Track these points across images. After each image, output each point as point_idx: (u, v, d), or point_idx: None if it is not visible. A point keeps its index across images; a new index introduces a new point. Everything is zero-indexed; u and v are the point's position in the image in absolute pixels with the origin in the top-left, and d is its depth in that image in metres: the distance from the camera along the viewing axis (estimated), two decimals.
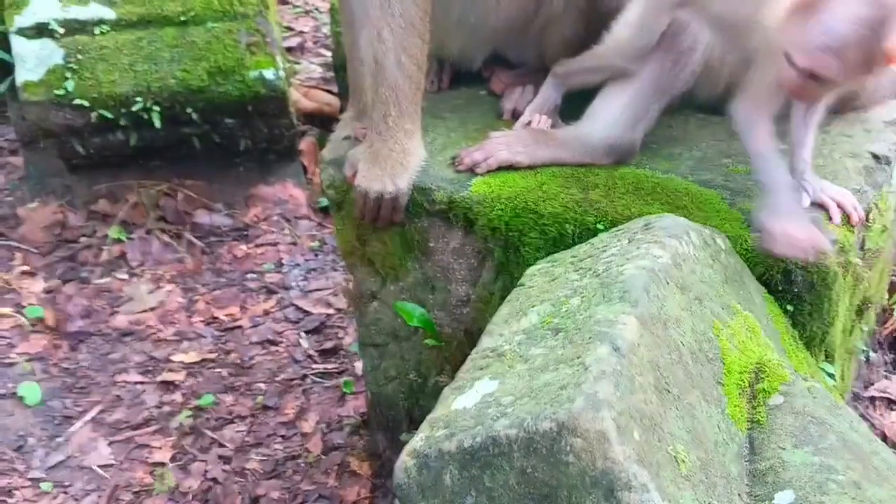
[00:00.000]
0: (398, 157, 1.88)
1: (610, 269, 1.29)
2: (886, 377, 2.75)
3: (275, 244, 3.36)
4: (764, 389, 1.32)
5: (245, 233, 3.39)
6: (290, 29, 4.68)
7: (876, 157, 1.94)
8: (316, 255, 3.32)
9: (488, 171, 1.89)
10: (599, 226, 1.75)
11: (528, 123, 2.01)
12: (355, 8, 1.89)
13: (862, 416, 2.61)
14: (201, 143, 3.33)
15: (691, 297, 1.30)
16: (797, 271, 1.62)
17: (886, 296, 2.65)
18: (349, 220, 2.02)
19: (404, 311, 1.98)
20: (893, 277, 2.88)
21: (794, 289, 1.64)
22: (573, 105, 2.00)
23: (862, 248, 1.82)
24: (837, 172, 1.87)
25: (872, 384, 2.71)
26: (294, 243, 3.36)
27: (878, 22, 1.37)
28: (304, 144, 3.70)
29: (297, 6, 4.86)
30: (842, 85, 1.57)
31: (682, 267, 1.33)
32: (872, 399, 2.65)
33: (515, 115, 2.13)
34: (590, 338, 1.11)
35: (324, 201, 3.34)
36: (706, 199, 1.77)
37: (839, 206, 1.72)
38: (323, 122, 3.79)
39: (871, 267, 1.87)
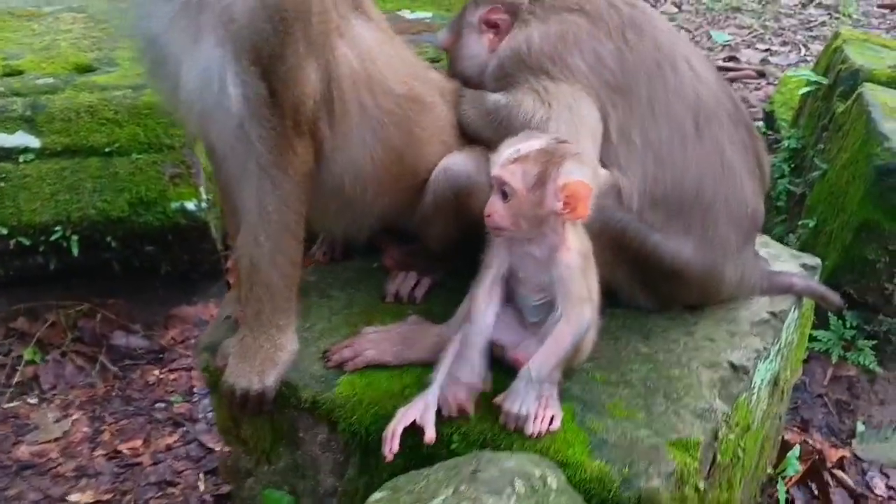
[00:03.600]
0: (268, 352, 1.93)
1: None
2: None
3: (188, 369, 3.37)
4: None
5: (160, 356, 3.40)
6: None
7: (734, 367, 2.01)
8: None
9: (356, 370, 1.94)
10: (455, 437, 1.79)
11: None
12: (238, 204, 1.95)
13: None
14: (121, 267, 3.36)
15: None
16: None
17: (771, 469, 2.70)
18: (223, 402, 2.05)
19: (271, 500, 2.01)
20: (784, 434, 2.96)
21: None
22: None
23: (712, 465, 1.87)
24: (691, 387, 1.93)
25: None
26: None
27: (553, 155, 1.79)
28: (232, 262, 3.74)
29: None
30: (524, 206, 1.79)
31: None
32: None
33: (398, 299, 2.20)
34: None
35: None
36: None
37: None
38: None
39: (723, 479, 1.92)
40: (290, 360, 1.95)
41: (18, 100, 3.20)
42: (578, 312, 1.82)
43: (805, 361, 3.38)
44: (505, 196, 1.80)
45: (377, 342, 1.96)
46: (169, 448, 3.03)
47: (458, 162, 2.05)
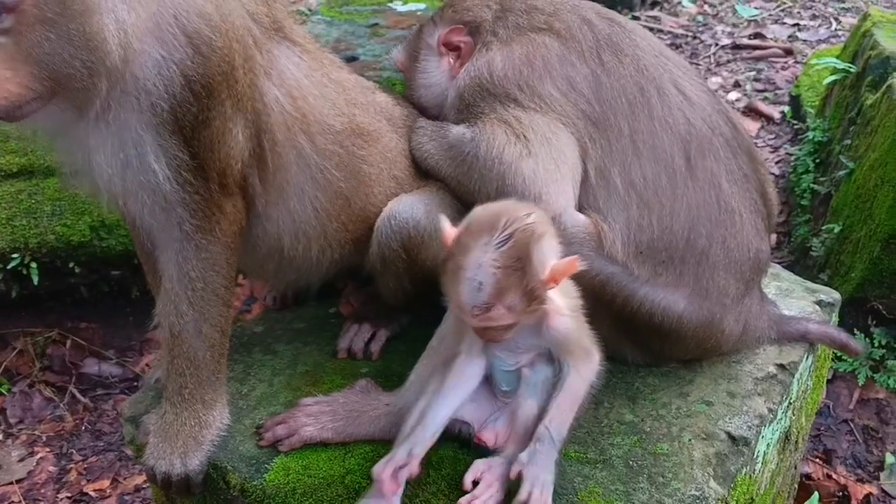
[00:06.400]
0: (192, 431, 1.69)
1: None
2: None
3: None
4: None
5: (134, 383, 3.20)
6: None
7: (733, 438, 1.73)
8: None
9: (292, 450, 1.70)
10: None
11: None
12: (158, 266, 1.70)
13: None
14: (89, 292, 3.16)
15: None
16: None
17: None
18: None
19: None
20: (805, 467, 2.67)
21: None
22: None
23: None
24: (681, 467, 1.65)
25: None
26: None
27: (518, 257, 1.43)
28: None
29: None
30: (520, 318, 1.50)
31: None
32: None
33: (351, 355, 1.96)
34: None
35: None
36: None
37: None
38: None
39: None
40: (218, 438, 1.71)
41: None
42: (587, 361, 1.62)
43: (829, 382, 3.08)
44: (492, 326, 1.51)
45: (317, 416, 1.71)
46: (137, 489, 2.84)
47: (405, 208, 1.78)
